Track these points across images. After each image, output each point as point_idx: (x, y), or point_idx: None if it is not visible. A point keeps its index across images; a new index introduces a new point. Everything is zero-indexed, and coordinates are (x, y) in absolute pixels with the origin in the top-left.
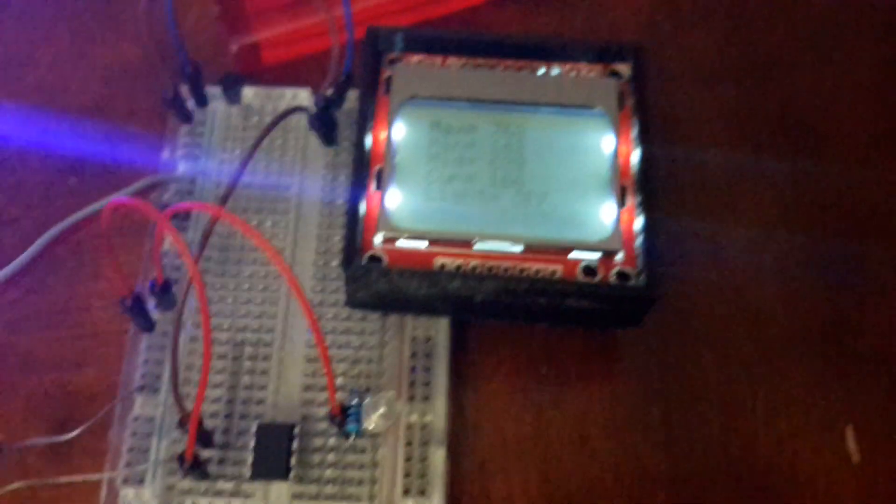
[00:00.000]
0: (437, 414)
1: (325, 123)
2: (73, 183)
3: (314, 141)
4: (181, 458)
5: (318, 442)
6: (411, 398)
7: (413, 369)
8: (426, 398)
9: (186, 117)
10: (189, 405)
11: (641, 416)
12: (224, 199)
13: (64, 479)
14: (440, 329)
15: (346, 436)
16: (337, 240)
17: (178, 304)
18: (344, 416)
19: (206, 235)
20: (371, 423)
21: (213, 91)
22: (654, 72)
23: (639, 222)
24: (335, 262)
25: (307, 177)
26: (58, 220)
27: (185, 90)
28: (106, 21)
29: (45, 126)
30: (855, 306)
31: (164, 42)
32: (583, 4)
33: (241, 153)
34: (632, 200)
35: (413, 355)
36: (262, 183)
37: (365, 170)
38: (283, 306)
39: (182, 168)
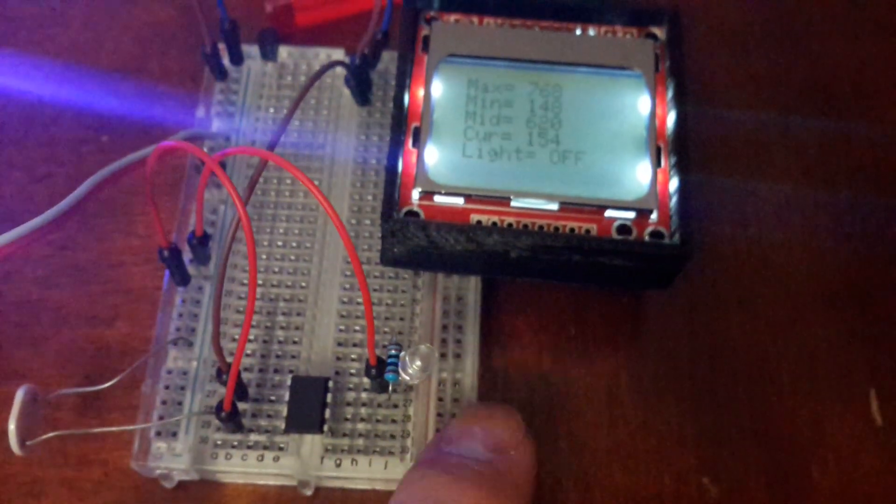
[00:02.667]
0: (467, 371)
1: (360, 82)
2: (106, 140)
3: (348, 100)
4: (219, 408)
5: (350, 396)
6: (443, 355)
7: (444, 327)
8: (457, 355)
9: (222, 74)
10: (227, 359)
11: (668, 377)
12: (271, 147)
13: (96, 430)
14: (471, 289)
15: (383, 386)
16: (370, 199)
17: (224, 252)
18: (382, 368)
19: (255, 177)
20: (408, 374)
21: (248, 49)
22: (685, 39)
23: (673, 183)
24: (368, 221)
25: (340, 136)
26: (89, 177)
27: (221, 47)
28: None
29: (77, 85)
30: (881, 271)
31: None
32: None
33: (275, 112)
34: (666, 161)
35: (445, 313)
36: (296, 141)
37: (403, 127)
38: (317, 262)
39: (216, 125)
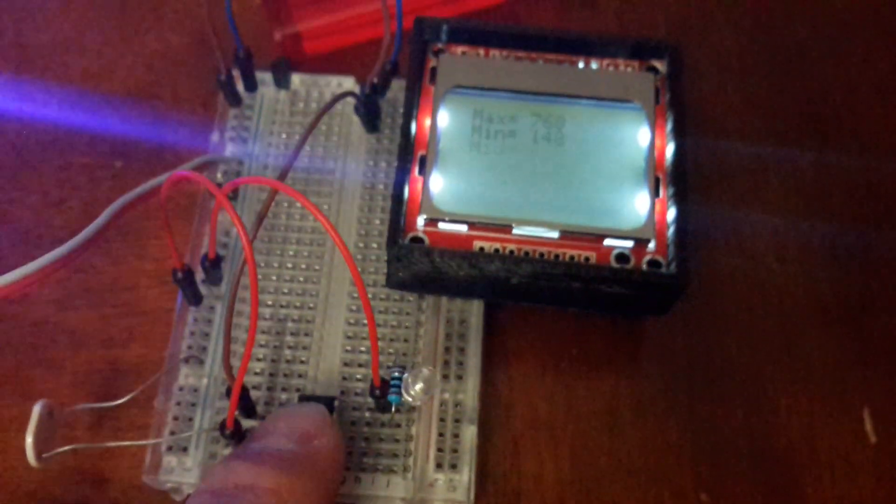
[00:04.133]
0: (469, 392)
1: (369, 110)
2: (119, 166)
3: (357, 128)
4: (222, 426)
5: (355, 415)
6: (445, 377)
7: (447, 349)
8: (459, 377)
9: (236, 100)
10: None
11: (667, 398)
12: (282, 176)
13: (110, 444)
14: (474, 312)
15: (387, 407)
16: (377, 223)
17: (235, 276)
18: (385, 389)
19: (265, 208)
20: (411, 395)
21: (262, 76)
22: (685, 68)
23: (671, 213)
24: (375, 245)
25: (349, 162)
26: (103, 202)
27: (235, 74)
28: (150, 9)
29: (91, 111)
30: (873, 291)
31: (216, 28)
32: (613, 2)
33: (287, 138)
34: (664, 192)
35: (448, 336)
36: (307, 166)
37: (410, 155)
38: (325, 285)
39: (230, 150)
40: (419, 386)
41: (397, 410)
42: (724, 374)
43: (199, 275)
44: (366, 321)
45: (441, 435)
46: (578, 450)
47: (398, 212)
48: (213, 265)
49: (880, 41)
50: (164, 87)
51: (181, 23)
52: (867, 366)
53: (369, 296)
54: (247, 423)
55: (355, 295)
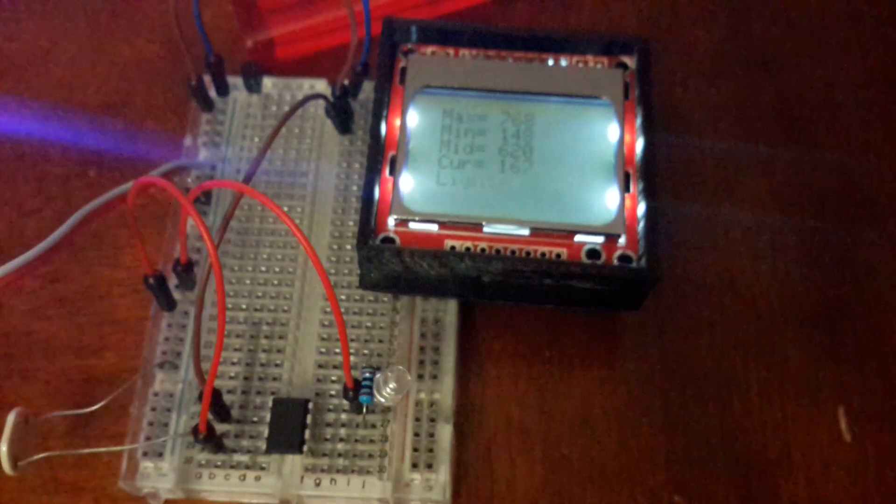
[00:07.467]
0: (445, 392)
1: (341, 112)
2: (94, 175)
3: (330, 129)
4: (195, 430)
5: (330, 417)
6: (420, 377)
7: (422, 349)
8: (434, 377)
9: (208, 106)
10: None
11: (641, 398)
12: (247, 179)
13: (86, 451)
14: (449, 311)
15: (359, 408)
16: (351, 224)
17: (202, 282)
18: (357, 389)
19: (230, 213)
20: (383, 395)
21: (234, 81)
22: (655, 67)
23: (641, 208)
24: (349, 246)
25: (323, 164)
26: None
27: (207, 80)
28: (123, 18)
29: (65, 121)
30: (846, 290)
31: (185, 35)
32: (586, 3)
33: (259, 141)
34: (635, 187)
35: (422, 335)
36: (280, 169)
37: (380, 155)
38: (299, 287)
39: (203, 155)
40: (391, 386)
41: (371, 411)
42: (698, 373)
43: (174, 280)
44: None
45: (417, 435)
46: (551, 453)
47: (368, 212)
48: (186, 270)
49: (854, 40)
50: (137, 95)
51: (154, 30)
52: (841, 364)
53: (343, 297)
54: (221, 427)
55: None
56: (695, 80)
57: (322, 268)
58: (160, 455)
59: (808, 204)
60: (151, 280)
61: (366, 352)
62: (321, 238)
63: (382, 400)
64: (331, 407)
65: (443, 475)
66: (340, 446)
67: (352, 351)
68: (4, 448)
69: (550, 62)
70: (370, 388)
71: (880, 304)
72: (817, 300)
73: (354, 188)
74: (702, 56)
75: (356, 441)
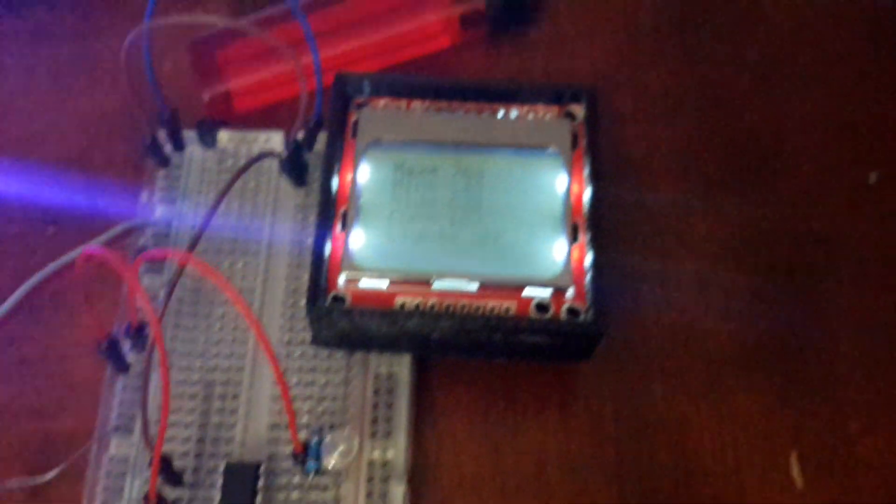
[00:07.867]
0: (398, 450)
1: (295, 166)
2: (52, 232)
3: (286, 183)
4: (146, 498)
5: (283, 480)
6: (373, 434)
7: (375, 406)
8: (388, 434)
9: (164, 161)
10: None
11: (594, 449)
12: (192, 245)
13: None
14: (403, 365)
15: (307, 474)
16: (306, 279)
17: (148, 348)
18: (307, 454)
19: (173, 284)
20: (331, 461)
21: (190, 135)
22: (609, 112)
23: (589, 259)
24: (303, 302)
25: (278, 218)
26: (37, 270)
27: (162, 135)
28: (82, 72)
29: (23, 177)
30: (800, 338)
31: (141, 90)
32: (541, 48)
33: (215, 196)
34: (583, 237)
35: (376, 392)
36: (235, 225)
37: (331, 211)
38: (252, 347)
39: (159, 212)
40: (340, 448)
41: (324, 473)
42: (651, 420)
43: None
44: (293, 382)
45: (370, 496)
46: None
47: (318, 271)
48: (138, 332)
49: (805, 82)
50: (96, 151)
51: (114, 85)
52: (795, 410)
53: (297, 353)
54: (174, 493)
55: (284, 355)
56: (648, 125)
57: (264, 336)
58: None
59: (760, 249)
60: (104, 345)
61: (320, 409)
62: (276, 294)
63: (329, 465)
64: (284, 469)
65: None
66: None
67: (306, 409)
68: None
69: (501, 113)
70: (317, 454)
71: (833, 349)
72: (770, 345)
73: (310, 241)
74: (654, 99)
75: None
